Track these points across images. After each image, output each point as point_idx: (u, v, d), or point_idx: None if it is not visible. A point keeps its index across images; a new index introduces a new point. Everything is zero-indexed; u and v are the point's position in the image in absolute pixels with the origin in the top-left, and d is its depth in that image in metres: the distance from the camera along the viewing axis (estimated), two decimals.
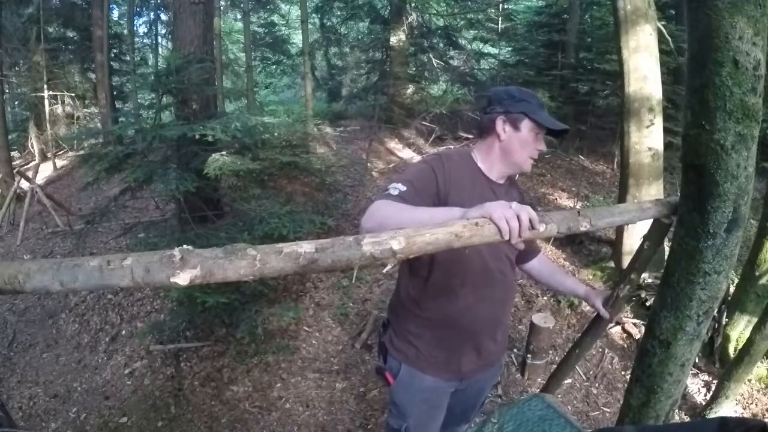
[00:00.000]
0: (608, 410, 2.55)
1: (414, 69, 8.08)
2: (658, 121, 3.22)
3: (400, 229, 0.83)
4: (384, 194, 1.14)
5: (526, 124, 1.26)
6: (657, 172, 3.32)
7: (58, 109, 8.53)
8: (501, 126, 1.28)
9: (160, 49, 11.26)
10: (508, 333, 1.53)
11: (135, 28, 10.00)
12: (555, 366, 2.83)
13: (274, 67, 11.15)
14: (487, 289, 1.33)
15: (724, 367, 2.53)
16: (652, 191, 3.31)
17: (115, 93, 9.03)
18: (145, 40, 11.33)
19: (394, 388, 1.42)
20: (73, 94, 8.80)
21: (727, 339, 2.71)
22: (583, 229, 1.05)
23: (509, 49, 8.44)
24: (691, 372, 2.48)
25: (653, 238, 1.34)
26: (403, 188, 1.15)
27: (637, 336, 3.00)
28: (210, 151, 2.81)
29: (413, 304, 1.36)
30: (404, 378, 1.38)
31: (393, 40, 7.38)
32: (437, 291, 1.32)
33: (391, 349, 1.40)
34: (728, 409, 2.32)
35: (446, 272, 1.30)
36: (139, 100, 7.41)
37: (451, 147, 6.34)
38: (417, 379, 1.37)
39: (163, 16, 10.53)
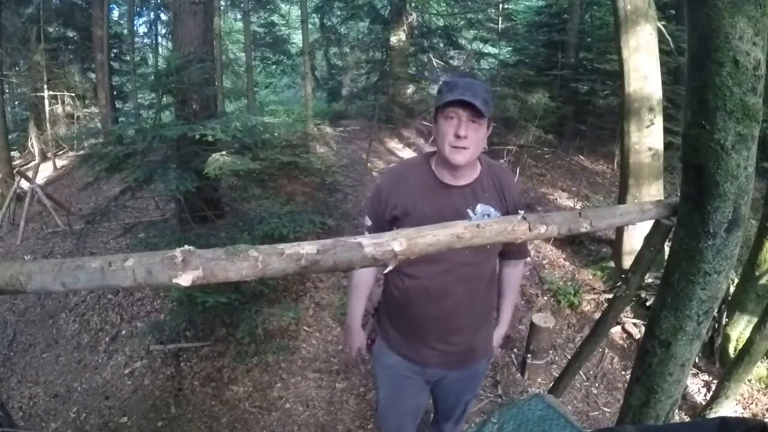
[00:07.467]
0: (608, 410, 2.55)
1: (414, 69, 8.07)
2: (658, 121, 3.22)
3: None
4: (361, 230, 1.39)
5: (439, 113, 1.22)
6: (657, 172, 3.32)
7: (58, 109, 8.50)
8: (434, 124, 1.27)
9: (160, 49, 11.25)
10: (485, 334, 1.51)
11: (135, 28, 10.00)
12: (555, 366, 2.85)
13: (274, 67, 11.14)
14: (443, 297, 1.34)
15: (724, 367, 2.53)
16: (652, 191, 3.31)
17: (115, 93, 9.03)
18: (145, 40, 11.33)
19: (372, 355, 1.60)
20: (73, 94, 8.77)
21: (727, 339, 2.71)
22: (583, 230, 1.05)
23: (509, 49, 8.43)
24: (691, 372, 2.48)
25: (655, 240, 1.34)
26: (369, 223, 1.36)
27: (637, 336, 3.00)
28: (210, 151, 2.81)
29: (387, 292, 1.47)
30: (377, 349, 1.54)
31: (393, 40, 7.38)
32: (396, 289, 1.41)
33: (376, 324, 1.57)
34: (728, 409, 2.32)
35: (407, 276, 1.36)
36: (139, 100, 7.40)
37: None
38: (384, 354, 1.50)
39: (163, 16, 10.53)
